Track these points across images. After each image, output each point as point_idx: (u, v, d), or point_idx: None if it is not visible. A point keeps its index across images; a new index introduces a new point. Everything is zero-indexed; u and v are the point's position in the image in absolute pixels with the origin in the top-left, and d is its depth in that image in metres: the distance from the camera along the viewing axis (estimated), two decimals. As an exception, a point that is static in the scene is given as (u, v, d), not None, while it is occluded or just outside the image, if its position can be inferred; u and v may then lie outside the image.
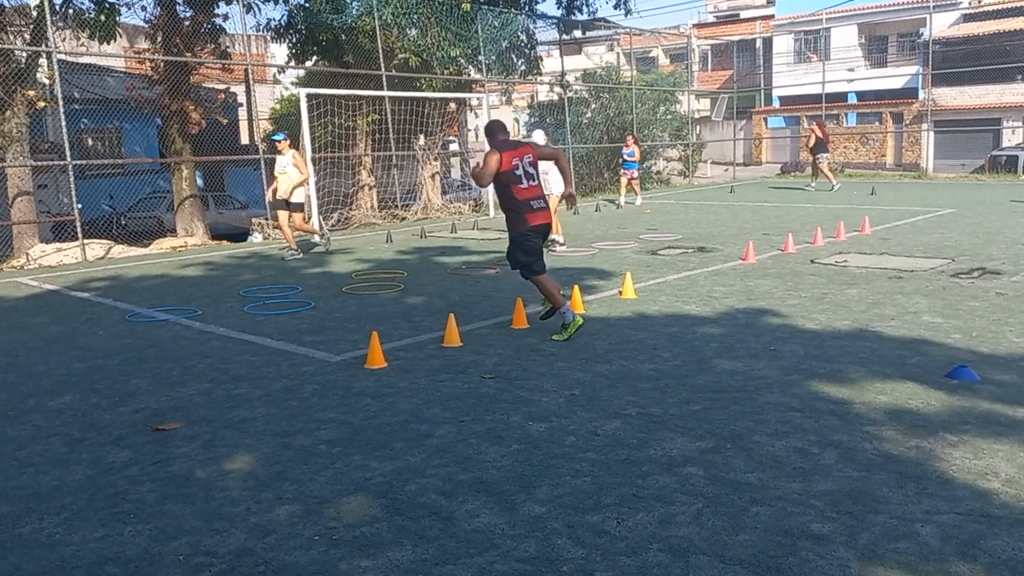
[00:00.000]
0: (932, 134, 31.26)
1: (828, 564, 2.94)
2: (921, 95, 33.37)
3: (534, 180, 6.55)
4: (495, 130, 6.74)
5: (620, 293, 8.03)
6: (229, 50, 18.00)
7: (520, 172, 6.47)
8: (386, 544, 3.20)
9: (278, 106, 30.11)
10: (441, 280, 9.52)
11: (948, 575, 2.86)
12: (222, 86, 20.13)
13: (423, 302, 8.21)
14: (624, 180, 18.96)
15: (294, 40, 18.95)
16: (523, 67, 22.89)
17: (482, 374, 5.52)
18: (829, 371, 5.29)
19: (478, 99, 21.06)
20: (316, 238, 12.74)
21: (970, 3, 34.48)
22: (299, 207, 11.95)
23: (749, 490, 3.58)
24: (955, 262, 9.29)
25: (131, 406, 5.11)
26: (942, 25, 33.12)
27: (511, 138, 6.83)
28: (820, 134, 20.63)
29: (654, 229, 13.53)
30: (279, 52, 22.21)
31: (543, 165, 10.53)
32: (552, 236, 10.93)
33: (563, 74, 22.92)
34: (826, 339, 6.12)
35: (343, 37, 18.14)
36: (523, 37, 22.15)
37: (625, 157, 18.76)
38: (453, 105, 20.63)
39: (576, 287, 7.60)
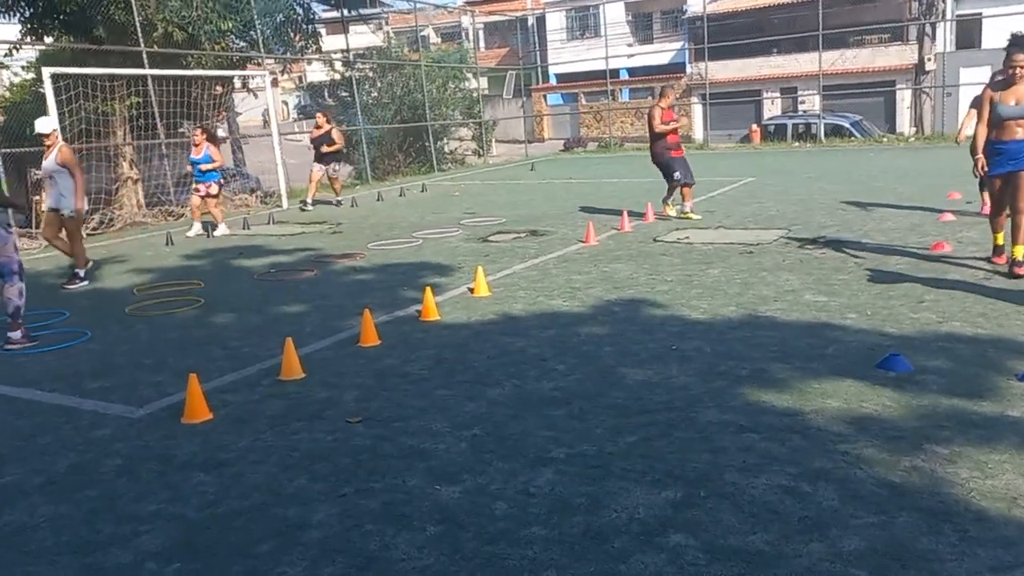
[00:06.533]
0: (701, 107, 32.81)
1: None
2: (688, 69, 34.97)
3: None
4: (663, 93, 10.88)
5: (472, 291, 7.04)
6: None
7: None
8: None
9: (8, 94, 25.92)
10: (249, 289, 8.04)
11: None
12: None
13: (234, 320, 6.76)
14: (196, 200, 12.23)
15: (28, 14, 15.97)
16: (301, 43, 21.05)
17: (347, 418, 4.32)
18: (751, 372, 4.62)
19: (257, 77, 19.06)
20: None
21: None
22: None
23: (766, 563, 2.73)
24: (791, 231, 9.15)
25: None
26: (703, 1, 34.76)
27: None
28: (324, 129, 14.41)
29: (472, 213, 12.60)
30: (8, 31, 18.80)
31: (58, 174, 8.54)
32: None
33: (347, 50, 21.41)
34: (723, 331, 5.49)
35: (91, 9, 15.51)
36: (299, 11, 20.34)
37: (202, 165, 11.91)
38: (219, 88, 18.42)
39: (429, 289, 6.52)
